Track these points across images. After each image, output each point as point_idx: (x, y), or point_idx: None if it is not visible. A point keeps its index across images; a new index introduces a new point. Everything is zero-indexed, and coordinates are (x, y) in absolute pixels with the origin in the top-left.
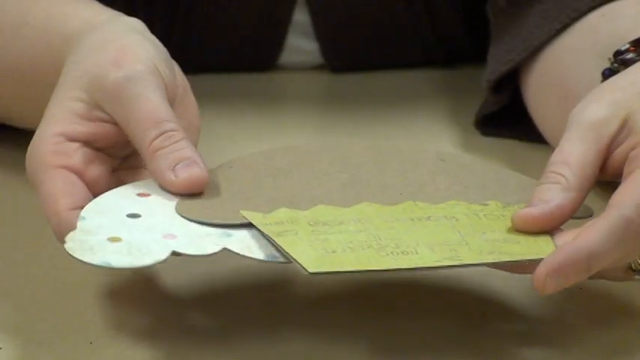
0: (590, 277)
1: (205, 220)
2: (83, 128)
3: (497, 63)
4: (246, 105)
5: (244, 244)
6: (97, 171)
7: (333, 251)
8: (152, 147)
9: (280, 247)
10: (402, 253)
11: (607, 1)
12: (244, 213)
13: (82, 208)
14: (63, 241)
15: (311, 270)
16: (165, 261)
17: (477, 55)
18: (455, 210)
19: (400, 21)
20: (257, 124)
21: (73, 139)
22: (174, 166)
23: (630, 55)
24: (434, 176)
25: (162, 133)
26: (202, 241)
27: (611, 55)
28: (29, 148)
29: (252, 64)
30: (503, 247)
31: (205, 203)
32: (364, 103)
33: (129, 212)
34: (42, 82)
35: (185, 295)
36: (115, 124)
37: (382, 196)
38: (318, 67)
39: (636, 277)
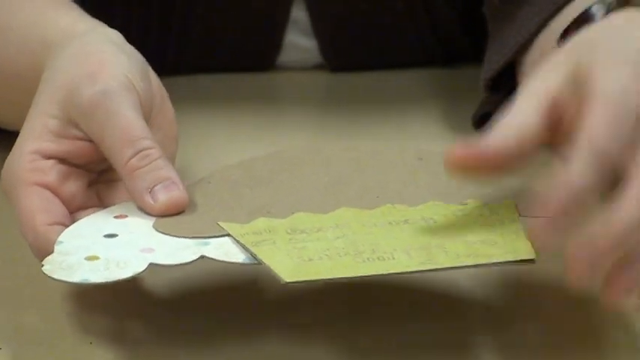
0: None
1: (183, 235)
2: (57, 146)
3: (491, 61)
4: (245, 105)
5: (222, 250)
6: (73, 187)
7: (310, 259)
8: (128, 167)
9: (257, 257)
10: (378, 259)
11: None
12: (222, 224)
13: (59, 224)
14: (40, 258)
15: (287, 279)
16: (143, 273)
17: (476, 55)
18: (433, 211)
19: (399, 20)
20: (256, 123)
21: (48, 157)
22: (153, 188)
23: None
24: (413, 175)
25: (139, 152)
26: (180, 252)
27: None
28: (6, 164)
29: (251, 63)
30: (480, 249)
31: (183, 219)
32: (363, 103)
33: (106, 233)
34: (24, 89)
35: (183, 296)
36: (90, 141)
37: (361, 200)
38: (317, 67)
39: None
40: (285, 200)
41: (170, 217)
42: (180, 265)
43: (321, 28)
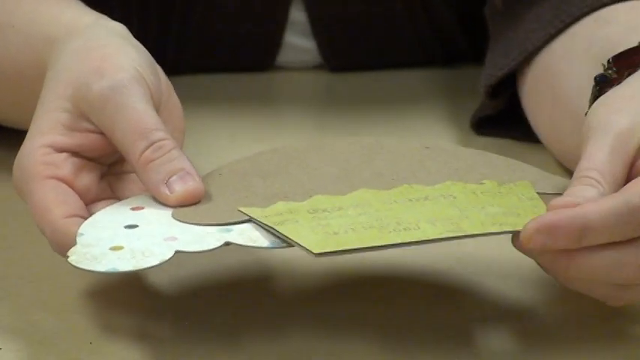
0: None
1: (204, 222)
2: (70, 139)
3: (493, 68)
4: (244, 105)
5: (245, 235)
6: (86, 179)
7: (335, 233)
8: (142, 159)
9: (282, 234)
10: (404, 229)
11: (600, 6)
12: (242, 209)
13: (77, 216)
14: (59, 251)
15: (316, 251)
16: (170, 260)
17: (475, 55)
18: (452, 189)
19: (398, 20)
20: (256, 123)
21: (60, 150)
22: (168, 180)
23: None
24: (422, 163)
25: (152, 144)
26: (203, 239)
27: (605, 61)
28: (16, 161)
29: (251, 63)
30: (504, 219)
31: (201, 207)
32: (362, 103)
33: (126, 224)
34: (27, 88)
35: (184, 293)
36: (102, 134)
37: (376, 183)
38: (317, 67)
39: None
40: (300, 187)
41: (188, 206)
42: (206, 251)
43: (319, 28)
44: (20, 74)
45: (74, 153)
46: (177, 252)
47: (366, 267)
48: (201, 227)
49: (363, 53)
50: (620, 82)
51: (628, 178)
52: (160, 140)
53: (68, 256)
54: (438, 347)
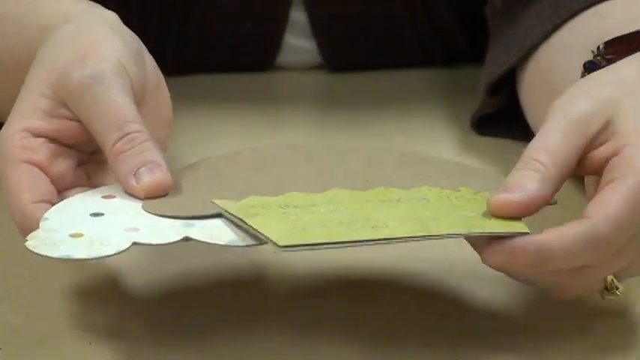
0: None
1: (171, 214)
2: (48, 125)
3: (493, 65)
4: (244, 105)
5: (206, 231)
6: (62, 166)
7: (303, 228)
8: (114, 150)
9: (250, 226)
10: (372, 227)
11: (598, 1)
12: (215, 201)
13: (46, 201)
14: (25, 235)
15: (281, 243)
16: (125, 251)
17: (475, 55)
18: (426, 193)
19: (398, 20)
20: (255, 123)
21: (38, 135)
22: (137, 171)
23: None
24: (398, 168)
25: (125, 135)
26: (164, 231)
27: (594, 48)
28: None
29: (251, 63)
30: (474, 221)
31: (171, 200)
32: (362, 103)
33: (92, 212)
34: (23, 79)
35: (187, 294)
36: (77, 121)
37: (350, 185)
38: (317, 67)
39: (608, 297)
40: (274, 185)
41: (159, 198)
42: (164, 244)
43: (319, 29)
44: (18, 65)
45: (52, 139)
46: (134, 243)
47: (355, 268)
48: (167, 220)
49: (363, 53)
50: None
51: (582, 164)
52: (133, 132)
53: (27, 239)
54: (426, 348)
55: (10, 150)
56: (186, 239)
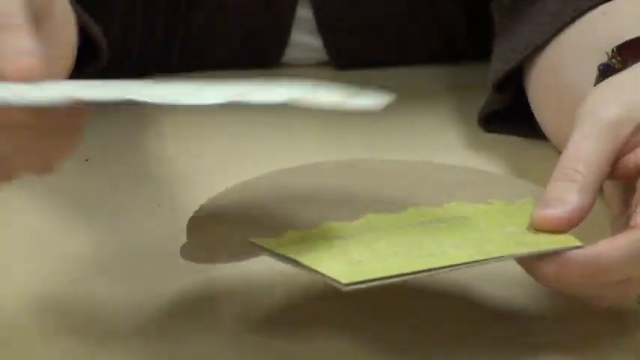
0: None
1: (220, 261)
2: None
3: (500, 62)
4: None
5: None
6: None
7: (359, 261)
8: None
9: (304, 265)
10: (430, 255)
11: (606, 0)
12: (255, 240)
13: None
14: None
15: (345, 281)
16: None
17: (480, 52)
18: (461, 210)
19: (403, 17)
20: (261, 121)
21: None
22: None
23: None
24: (415, 183)
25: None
26: (102, 89)
27: (608, 50)
28: None
29: (257, 60)
30: (526, 238)
31: (210, 243)
32: None
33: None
34: None
35: (186, 297)
36: None
37: (377, 207)
38: (323, 64)
39: None
40: (302, 216)
41: (198, 246)
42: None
43: (325, 26)
44: None
45: None
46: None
47: None
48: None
49: (369, 51)
50: None
51: (616, 169)
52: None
53: None
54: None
55: None
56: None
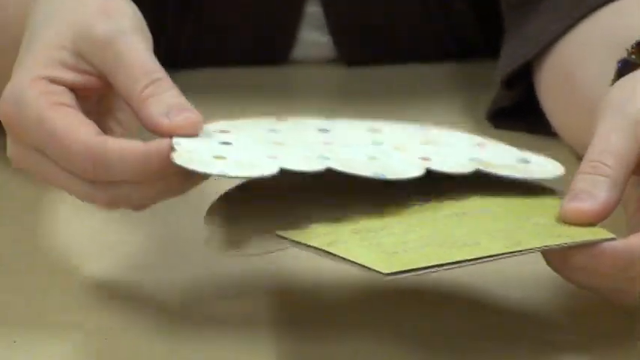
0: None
1: (251, 252)
2: (65, 75)
3: (509, 59)
4: (259, 99)
5: (345, 165)
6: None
7: (394, 252)
8: (144, 95)
9: (340, 255)
10: (465, 245)
11: None
12: (282, 233)
13: (103, 135)
14: (96, 169)
15: (386, 271)
16: (276, 175)
17: (491, 49)
18: (483, 203)
19: (413, 14)
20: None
21: (57, 84)
22: (168, 111)
23: None
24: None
25: (153, 82)
26: (305, 160)
27: (629, 46)
28: (7, 94)
29: (266, 58)
30: (556, 230)
31: (238, 235)
32: (378, 96)
33: (220, 140)
34: (13, 47)
35: (194, 291)
36: (96, 75)
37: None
38: (332, 61)
39: None
40: (322, 210)
41: (218, 233)
42: (311, 172)
43: (335, 23)
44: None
45: (69, 89)
46: (281, 169)
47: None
48: (302, 151)
49: (378, 47)
50: None
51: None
52: (161, 79)
53: (172, 158)
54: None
55: (35, 98)
56: (328, 169)
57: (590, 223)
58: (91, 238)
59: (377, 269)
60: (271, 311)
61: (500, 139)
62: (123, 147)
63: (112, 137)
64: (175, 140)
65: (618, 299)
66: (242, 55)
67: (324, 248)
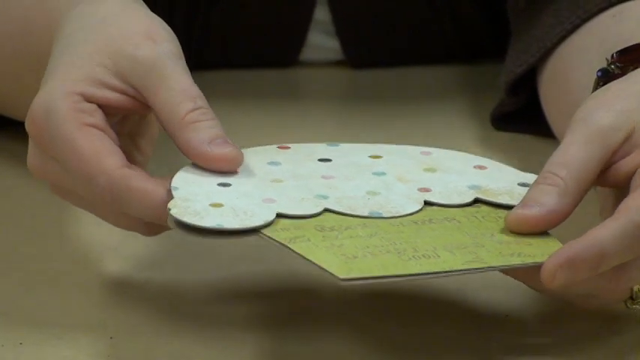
0: (585, 304)
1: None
2: (100, 93)
3: (512, 65)
4: (267, 101)
5: (342, 204)
6: (112, 134)
7: (354, 257)
8: (187, 118)
9: (299, 254)
10: (423, 257)
11: (618, 2)
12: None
13: (127, 167)
14: (114, 203)
15: (342, 276)
16: (273, 222)
17: (498, 52)
18: (452, 212)
19: (421, 17)
20: (278, 120)
21: (89, 101)
22: (212, 140)
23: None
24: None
25: (198, 108)
26: (301, 203)
27: (609, 55)
28: (39, 100)
29: (274, 60)
30: (518, 248)
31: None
32: (384, 99)
33: (219, 182)
34: (35, 53)
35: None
36: (131, 96)
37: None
38: (339, 63)
39: (633, 306)
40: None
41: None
42: (307, 216)
43: (343, 27)
44: (30, 35)
45: (100, 107)
46: (278, 215)
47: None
48: (299, 193)
49: (385, 50)
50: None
51: (605, 176)
52: (204, 107)
53: (169, 209)
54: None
55: (66, 111)
56: (326, 210)
57: (534, 231)
58: (97, 239)
59: (334, 273)
60: (271, 312)
61: (505, 142)
62: (147, 189)
63: (136, 172)
64: (175, 183)
65: (587, 304)
66: (250, 57)
67: (285, 244)
